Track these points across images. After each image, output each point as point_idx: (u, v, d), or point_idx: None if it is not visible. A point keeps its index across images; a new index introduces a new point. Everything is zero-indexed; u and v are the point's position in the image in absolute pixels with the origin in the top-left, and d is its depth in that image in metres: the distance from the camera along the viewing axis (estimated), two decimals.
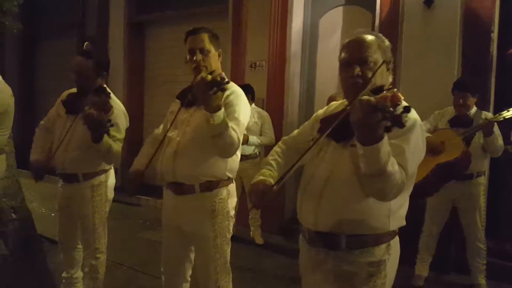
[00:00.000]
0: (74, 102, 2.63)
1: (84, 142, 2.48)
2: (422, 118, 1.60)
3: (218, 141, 1.98)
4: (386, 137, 1.32)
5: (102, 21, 7.14)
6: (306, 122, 1.91)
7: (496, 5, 3.86)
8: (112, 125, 2.30)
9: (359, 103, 1.25)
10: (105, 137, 2.37)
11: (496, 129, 3.23)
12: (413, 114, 1.52)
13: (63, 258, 2.90)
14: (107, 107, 2.46)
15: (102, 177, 2.70)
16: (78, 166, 2.62)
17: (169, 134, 2.23)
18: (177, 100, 2.32)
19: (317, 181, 1.62)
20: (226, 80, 1.91)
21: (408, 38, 4.06)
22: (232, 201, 2.27)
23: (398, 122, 1.23)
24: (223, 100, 2.10)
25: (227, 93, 2.14)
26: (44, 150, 2.74)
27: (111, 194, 2.79)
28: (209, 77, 1.87)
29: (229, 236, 2.25)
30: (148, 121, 6.91)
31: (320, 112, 1.87)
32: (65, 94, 2.76)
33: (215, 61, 2.24)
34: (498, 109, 3.46)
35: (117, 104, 2.68)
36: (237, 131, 2.03)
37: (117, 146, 2.52)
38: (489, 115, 3.41)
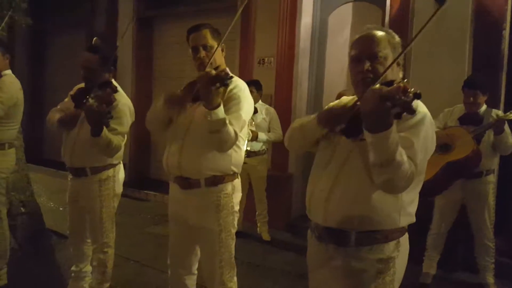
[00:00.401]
0: (81, 96, 2.64)
1: (92, 142, 2.48)
2: (432, 116, 1.59)
3: (215, 136, 2.02)
4: (394, 126, 1.34)
5: (110, 17, 7.16)
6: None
7: (509, 2, 3.81)
8: (111, 117, 2.33)
9: (371, 92, 1.28)
10: (105, 131, 2.38)
11: (506, 127, 3.20)
12: (423, 108, 1.54)
13: (72, 252, 2.92)
14: (109, 100, 2.46)
15: (110, 171, 2.71)
16: (86, 160, 2.63)
17: (174, 127, 2.25)
18: None
19: (327, 177, 1.62)
20: (230, 75, 1.92)
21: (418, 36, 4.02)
22: (237, 196, 2.28)
23: (408, 108, 1.24)
24: (226, 93, 2.13)
25: (230, 86, 2.15)
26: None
27: (119, 188, 2.80)
28: (213, 72, 1.89)
29: (233, 231, 2.26)
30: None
31: (331, 105, 1.85)
32: (75, 88, 2.77)
33: (219, 57, 2.24)
34: (508, 107, 3.42)
35: (124, 99, 2.68)
36: (235, 126, 2.05)
37: (117, 140, 2.51)
38: (499, 113, 3.38)
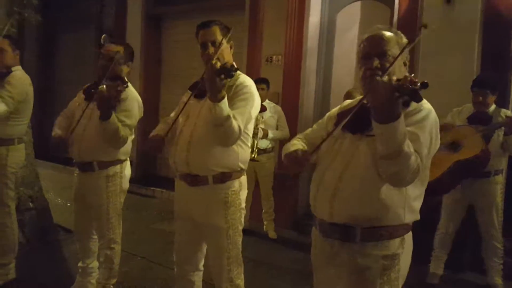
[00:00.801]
0: (93, 89, 2.67)
1: (99, 130, 2.53)
2: (440, 115, 1.60)
3: (219, 130, 2.02)
4: (402, 117, 1.38)
5: (119, 14, 7.19)
6: (320, 121, 1.93)
7: None
8: (118, 101, 2.45)
9: (379, 83, 1.33)
10: (114, 117, 2.44)
11: None
12: (428, 105, 1.58)
13: (78, 248, 2.94)
14: (118, 90, 2.52)
15: (117, 167, 2.72)
16: (93, 154, 2.65)
17: (181, 124, 2.26)
18: (189, 92, 2.33)
19: (333, 173, 1.63)
20: (236, 67, 1.94)
21: (427, 34, 3.98)
22: (244, 193, 2.29)
23: (415, 96, 1.29)
24: (233, 88, 2.13)
25: (237, 82, 2.16)
26: (65, 129, 2.76)
27: (126, 185, 2.82)
28: (219, 64, 1.91)
29: (240, 227, 2.27)
30: (164, 113, 6.97)
31: (333, 110, 1.89)
32: (85, 86, 2.81)
33: (228, 53, 2.24)
34: None
35: (133, 93, 2.72)
36: (239, 121, 2.05)
37: (125, 132, 2.55)
38: (508, 112, 3.36)
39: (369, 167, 1.54)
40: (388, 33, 1.62)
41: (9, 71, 3.06)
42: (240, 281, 2.26)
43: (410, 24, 4.06)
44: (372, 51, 1.60)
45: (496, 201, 3.36)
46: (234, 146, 2.17)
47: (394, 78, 1.50)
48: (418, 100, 1.33)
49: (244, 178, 2.29)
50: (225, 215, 2.19)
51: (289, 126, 4.64)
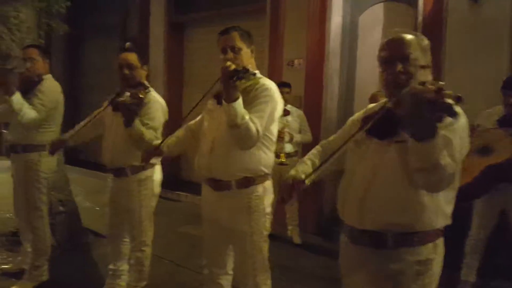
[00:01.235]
0: (118, 99, 2.74)
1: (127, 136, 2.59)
2: (469, 118, 1.57)
3: (234, 131, 2.03)
4: (440, 132, 1.33)
5: (143, 22, 7.32)
6: (343, 127, 1.93)
7: None
8: (139, 108, 2.54)
9: (411, 95, 1.28)
10: (137, 123, 2.51)
11: None
12: (458, 108, 1.51)
13: (110, 251, 3.00)
14: (139, 96, 2.61)
15: (148, 171, 2.79)
16: (125, 160, 2.72)
17: (204, 130, 2.30)
18: (213, 99, 2.36)
19: (361, 179, 1.61)
20: (252, 72, 1.96)
21: (453, 35, 3.94)
22: (269, 198, 2.28)
23: (450, 111, 1.24)
24: (252, 91, 2.14)
25: (257, 85, 2.17)
26: (76, 134, 2.89)
27: (157, 189, 2.88)
28: (232, 66, 1.94)
29: (266, 233, 2.26)
30: (187, 119, 7.03)
31: (357, 115, 1.88)
32: (111, 96, 2.88)
33: (248, 58, 2.25)
34: None
35: (155, 96, 2.78)
36: (257, 124, 2.05)
37: (150, 134, 2.60)
38: None
39: (399, 173, 1.51)
40: (408, 36, 1.60)
41: (40, 80, 3.15)
42: (266, 287, 2.25)
43: (435, 25, 4.00)
44: (394, 56, 1.58)
45: None
46: (256, 150, 2.16)
47: (419, 79, 1.49)
48: (454, 115, 1.26)
49: (268, 183, 2.28)
50: (248, 220, 2.19)
51: (312, 130, 4.62)
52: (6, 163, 3.76)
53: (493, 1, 3.76)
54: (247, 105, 2.08)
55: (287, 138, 4.31)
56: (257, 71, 2.28)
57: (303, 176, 1.73)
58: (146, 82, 2.81)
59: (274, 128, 2.25)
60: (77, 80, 9.26)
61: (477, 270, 3.47)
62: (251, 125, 2.03)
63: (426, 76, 1.60)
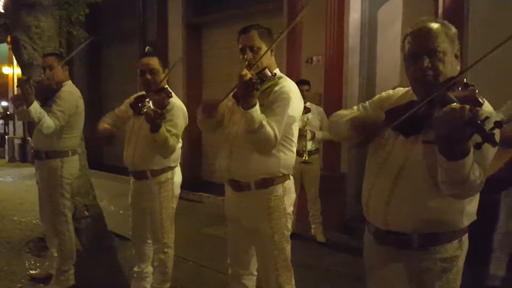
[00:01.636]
0: (139, 102, 2.76)
1: (149, 142, 2.63)
2: (493, 108, 1.50)
3: (253, 137, 2.02)
4: (471, 151, 1.25)
5: (161, 25, 7.40)
6: (369, 102, 1.80)
7: None
8: (164, 117, 2.52)
9: (450, 115, 1.18)
10: (163, 129, 2.53)
11: None
12: (488, 107, 1.42)
13: (134, 253, 3.04)
14: (163, 103, 2.63)
15: (168, 174, 2.80)
16: (146, 163, 2.75)
17: (226, 131, 2.29)
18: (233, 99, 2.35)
19: (385, 178, 1.57)
20: (271, 74, 1.95)
21: (476, 25, 3.82)
22: (290, 198, 2.25)
23: (491, 140, 1.15)
24: (271, 94, 2.12)
25: (276, 88, 2.13)
26: (111, 123, 2.88)
27: (177, 190, 2.89)
28: (248, 76, 1.91)
29: (287, 233, 2.23)
30: None
31: (384, 95, 1.77)
32: (132, 97, 2.90)
33: (267, 58, 2.20)
34: None
35: (178, 103, 2.79)
36: (275, 129, 2.03)
37: (173, 140, 2.63)
38: None
39: (426, 174, 1.47)
40: (435, 26, 1.49)
41: (59, 87, 3.21)
42: (290, 287, 2.23)
43: (456, 17, 3.88)
44: (420, 49, 1.48)
45: None
46: (276, 152, 2.14)
47: (448, 75, 1.42)
48: (495, 144, 1.16)
49: (289, 183, 2.25)
50: (269, 220, 2.18)
51: None
52: (33, 170, 3.84)
53: None
54: (266, 109, 2.06)
55: (309, 136, 4.29)
56: (276, 69, 2.26)
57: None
58: (167, 87, 2.82)
59: (295, 128, 2.22)
60: (99, 86, 9.44)
61: (506, 264, 3.38)
62: (269, 130, 2.01)
63: (454, 68, 1.52)
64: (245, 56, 2.19)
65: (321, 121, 4.55)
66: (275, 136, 2.04)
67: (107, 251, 4.15)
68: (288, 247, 2.23)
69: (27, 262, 3.89)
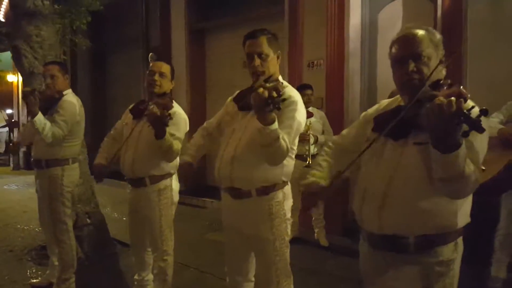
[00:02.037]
0: (141, 107, 2.78)
1: (150, 146, 2.62)
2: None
3: (268, 150, 1.99)
4: (464, 143, 1.28)
5: (164, 31, 7.43)
6: (355, 122, 1.89)
7: None
8: (171, 118, 2.46)
9: (436, 108, 1.22)
10: (167, 135, 2.51)
11: None
12: (473, 103, 1.45)
13: (135, 261, 3.03)
14: (168, 105, 2.63)
15: (167, 181, 2.80)
16: (146, 169, 2.73)
17: (227, 137, 2.26)
18: (234, 103, 2.34)
19: (378, 182, 1.57)
20: (283, 98, 1.87)
21: (474, 27, 3.81)
22: (288, 203, 2.25)
23: (477, 127, 1.19)
24: None
25: (283, 97, 2.12)
26: (108, 156, 2.92)
27: (176, 197, 2.89)
28: (266, 93, 1.80)
29: (287, 238, 2.23)
30: None
31: (370, 111, 1.83)
32: (131, 105, 2.92)
33: (273, 65, 2.21)
34: None
35: (179, 108, 2.81)
36: (287, 141, 2.01)
37: (177, 145, 2.63)
38: None
39: (419, 176, 1.48)
40: (420, 32, 1.55)
41: (61, 96, 3.24)
42: None
43: (454, 20, 3.88)
44: (405, 54, 1.53)
45: None
46: None
47: (434, 78, 1.42)
48: (481, 131, 1.19)
49: (288, 188, 2.26)
50: (270, 226, 2.17)
51: (334, 131, 4.57)
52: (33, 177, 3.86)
53: None
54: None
55: (312, 140, 4.29)
56: (279, 77, 2.26)
57: (323, 182, 1.71)
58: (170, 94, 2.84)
59: (297, 138, 2.21)
60: (103, 92, 9.49)
61: (507, 266, 3.35)
62: (283, 143, 1.98)
63: (440, 72, 1.55)
64: (253, 63, 2.16)
65: (323, 125, 4.57)
66: (287, 148, 2.01)
67: (109, 258, 4.16)
68: (287, 252, 2.23)
69: (28, 270, 3.91)
